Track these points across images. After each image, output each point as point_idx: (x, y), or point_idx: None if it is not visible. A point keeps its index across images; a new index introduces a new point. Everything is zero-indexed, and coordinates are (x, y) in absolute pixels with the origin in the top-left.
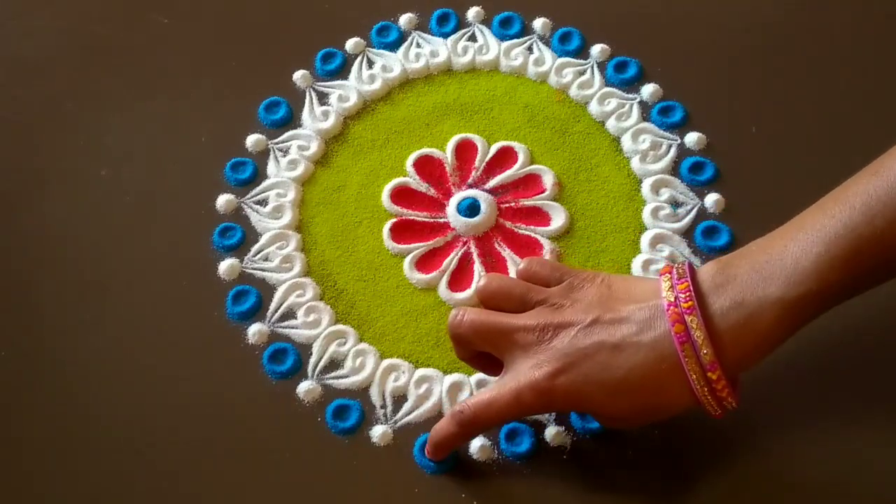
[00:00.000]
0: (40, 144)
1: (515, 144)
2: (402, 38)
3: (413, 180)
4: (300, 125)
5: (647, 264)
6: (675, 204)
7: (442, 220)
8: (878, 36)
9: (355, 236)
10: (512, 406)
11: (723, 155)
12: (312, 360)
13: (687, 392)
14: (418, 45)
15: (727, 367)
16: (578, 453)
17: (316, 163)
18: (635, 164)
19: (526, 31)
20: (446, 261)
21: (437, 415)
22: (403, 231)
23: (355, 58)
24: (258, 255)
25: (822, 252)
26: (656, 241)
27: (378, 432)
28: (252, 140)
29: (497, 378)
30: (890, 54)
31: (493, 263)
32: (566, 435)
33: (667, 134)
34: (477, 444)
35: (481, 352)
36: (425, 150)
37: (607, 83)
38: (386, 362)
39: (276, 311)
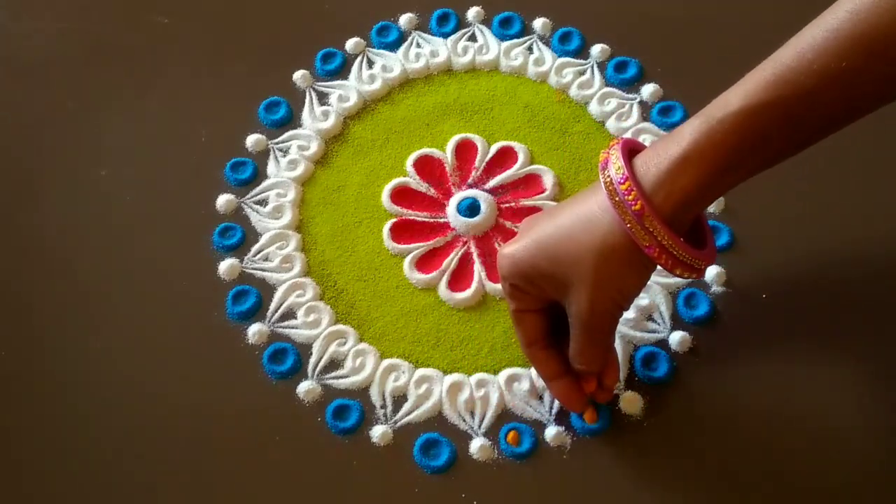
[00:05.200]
0: (40, 144)
1: (515, 144)
2: (402, 38)
3: (413, 180)
4: (300, 125)
5: None
6: None
7: (442, 220)
8: None
9: (355, 236)
10: (509, 306)
11: None
12: (312, 360)
13: (614, 221)
14: (418, 45)
15: (653, 194)
16: (578, 453)
17: (316, 163)
18: None
19: (526, 31)
20: (446, 261)
21: (437, 415)
22: (403, 231)
23: (355, 58)
24: (258, 255)
25: (744, 81)
26: None
27: (378, 432)
28: (252, 140)
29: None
30: None
31: (493, 263)
32: (566, 435)
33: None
34: (477, 444)
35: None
36: (425, 150)
37: (607, 83)
38: (386, 362)
39: (276, 311)
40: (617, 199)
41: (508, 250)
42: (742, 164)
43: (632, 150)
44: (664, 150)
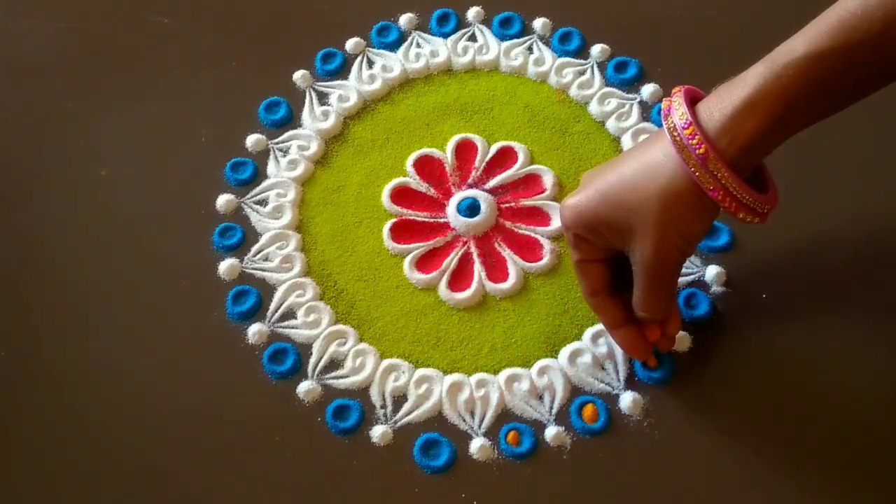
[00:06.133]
0: (40, 144)
1: (515, 144)
2: (402, 38)
3: (413, 180)
4: (300, 125)
5: None
6: None
7: (442, 220)
8: None
9: (355, 236)
10: (572, 256)
11: None
12: (312, 360)
13: (677, 166)
14: (418, 45)
15: (717, 138)
16: (578, 453)
17: (316, 163)
18: None
19: (526, 31)
20: (446, 261)
21: (437, 415)
22: (403, 231)
23: (355, 58)
24: (258, 255)
25: (808, 28)
26: None
27: (378, 432)
28: (252, 140)
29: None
30: None
31: (494, 263)
32: (566, 435)
33: None
34: (477, 444)
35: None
36: (425, 150)
37: (607, 83)
38: (386, 362)
39: (276, 311)
40: (681, 144)
41: (571, 201)
42: (806, 110)
43: (693, 99)
44: (728, 95)
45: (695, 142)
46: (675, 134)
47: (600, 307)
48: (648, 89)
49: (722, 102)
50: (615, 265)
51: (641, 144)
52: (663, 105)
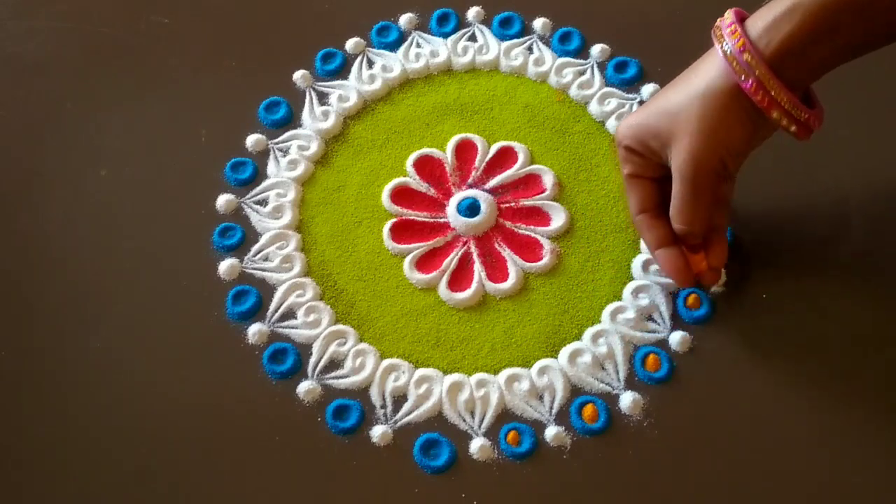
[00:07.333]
0: (40, 144)
1: (515, 144)
2: (402, 38)
3: (413, 180)
4: (300, 125)
5: (647, 264)
6: None
7: (442, 220)
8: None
9: (355, 236)
10: (622, 171)
11: None
12: (312, 360)
13: (720, 65)
14: (418, 45)
15: (757, 39)
16: (578, 453)
17: (316, 163)
18: None
19: (526, 31)
20: (446, 261)
21: (437, 415)
22: (403, 231)
23: (355, 58)
24: (258, 255)
25: None
26: None
27: (378, 432)
28: (252, 140)
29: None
30: (893, 57)
31: (494, 263)
32: (566, 435)
33: None
34: (477, 444)
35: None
36: (425, 150)
37: (607, 83)
38: (386, 362)
39: (276, 311)
40: (722, 40)
41: (626, 118)
42: (847, 25)
43: (743, 19)
44: (771, 7)
45: (734, 36)
46: (718, 33)
47: (645, 225)
48: (648, 89)
49: (766, 12)
50: (664, 188)
51: (693, 64)
52: (716, 23)
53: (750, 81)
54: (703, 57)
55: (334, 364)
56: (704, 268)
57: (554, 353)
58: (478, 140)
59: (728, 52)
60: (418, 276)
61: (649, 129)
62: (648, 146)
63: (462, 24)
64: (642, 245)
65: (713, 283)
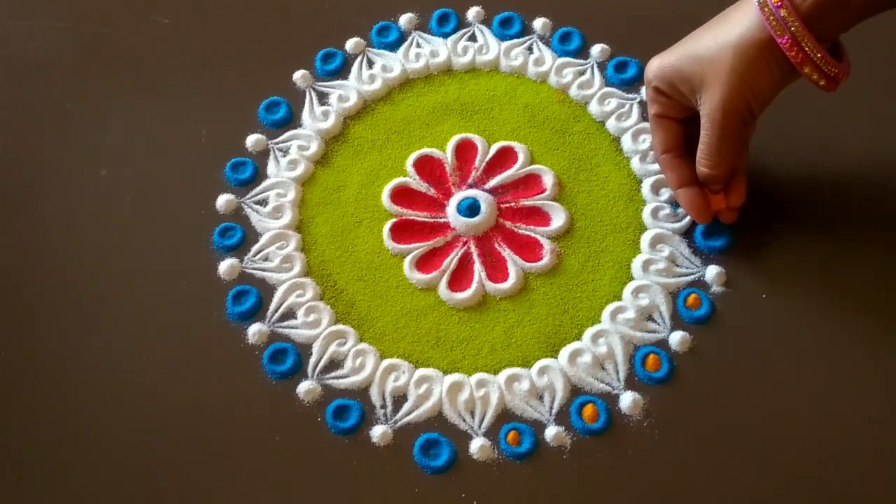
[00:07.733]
0: (40, 144)
1: (515, 144)
2: (402, 38)
3: (413, 180)
4: (300, 125)
5: (647, 264)
6: (676, 204)
7: (442, 220)
8: (880, 36)
9: (355, 236)
10: (650, 111)
11: None
12: (312, 360)
13: (754, 17)
14: (418, 45)
15: (805, 10)
16: (578, 453)
17: (316, 163)
18: (635, 164)
19: (526, 31)
20: (446, 261)
21: (437, 415)
22: (403, 231)
23: (355, 58)
24: (258, 255)
25: None
26: (656, 241)
27: (378, 432)
28: (252, 140)
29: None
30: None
31: (494, 263)
32: (566, 435)
33: None
34: (477, 444)
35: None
36: (425, 150)
37: (607, 83)
38: (386, 362)
39: (276, 311)
40: (770, 16)
41: (656, 57)
42: None
43: None
44: None
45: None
46: None
47: (669, 164)
48: None
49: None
50: (689, 130)
51: (726, 10)
52: None
53: (786, 38)
54: (736, 4)
55: (334, 364)
56: (724, 206)
57: (554, 353)
58: (478, 140)
59: (766, 7)
60: (418, 276)
61: (681, 72)
62: (678, 89)
63: (462, 24)
64: (642, 245)
65: (731, 221)
